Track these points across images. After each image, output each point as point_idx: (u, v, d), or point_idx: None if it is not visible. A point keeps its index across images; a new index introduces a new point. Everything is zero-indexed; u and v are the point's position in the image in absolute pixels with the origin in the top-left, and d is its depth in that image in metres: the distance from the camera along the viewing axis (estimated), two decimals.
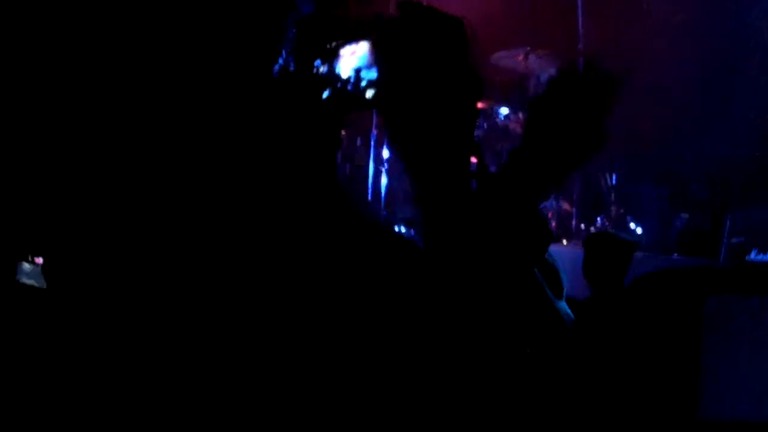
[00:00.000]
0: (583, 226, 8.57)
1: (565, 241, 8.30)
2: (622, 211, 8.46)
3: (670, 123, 8.71)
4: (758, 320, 2.36)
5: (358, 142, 9.45)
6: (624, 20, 9.25)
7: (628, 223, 8.41)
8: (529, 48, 9.26)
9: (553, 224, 8.58)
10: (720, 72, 8.62)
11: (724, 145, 8.34)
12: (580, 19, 9.44)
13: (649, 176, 8.64)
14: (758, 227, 7.23)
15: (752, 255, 6.99)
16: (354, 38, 1.60)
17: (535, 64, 9.35)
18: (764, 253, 6.96)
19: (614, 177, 8.54)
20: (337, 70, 1.61)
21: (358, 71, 1.60)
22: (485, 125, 9.10)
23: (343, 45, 1.60)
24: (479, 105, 1.50)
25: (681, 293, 2.33)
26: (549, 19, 9.49)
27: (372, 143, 9.19)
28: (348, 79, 1.60)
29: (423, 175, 1.49)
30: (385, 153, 9.10)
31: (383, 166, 9.17)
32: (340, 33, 1.62)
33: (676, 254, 7.90)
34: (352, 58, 1.60)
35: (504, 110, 9.11)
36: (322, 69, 1.61)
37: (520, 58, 9.37)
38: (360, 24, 1.61)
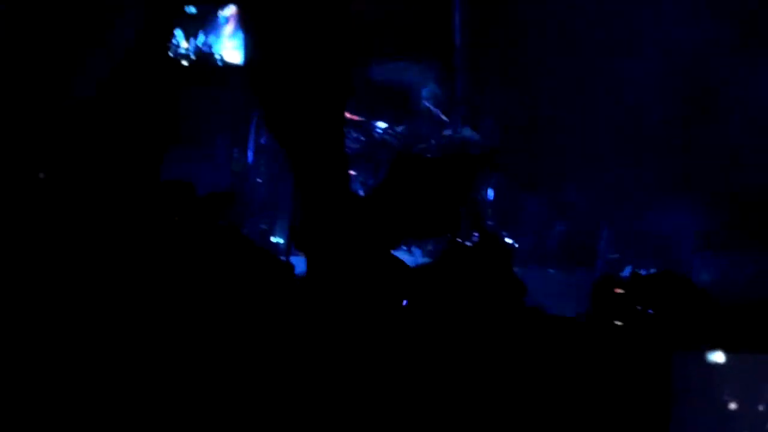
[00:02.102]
0: (460, 240, 8.54)
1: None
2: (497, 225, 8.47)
3: (545, 132, 8.77)
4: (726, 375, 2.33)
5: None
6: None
7: (503, 238, 8.41)
8: (405, 61, 9.23)
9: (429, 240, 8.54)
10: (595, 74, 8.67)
11: (600, 153, 8.41)
12: (457, 29, 9.44)
13: (526, 188, 8.67)
14: (632, 243, 7.31)
15: (626, 272, 7.04)
16: (217, 1, 1.48)
17: (414, 77, 9.33)
18: (639, 270, 7.02)
19: (491, 193, 8.54)
20: (202, 36, 1.48)
21: (219, 36, 1.47)
22: (363, 138, 9.03)
23: (204, 9, 1.48)
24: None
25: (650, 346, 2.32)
26: (426, 30, 9.45)
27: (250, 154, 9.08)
28: (213, 45, 1.48)
29: (295, 147, 1.39)
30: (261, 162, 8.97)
31: (259, 178, 9.03)
32: None
33: (551, 270, 7.93)
34: (215, 22, 1.47)
35: (381, 124, 9.06)
36: (180, 35, 1.48)
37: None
38: None
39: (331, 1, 1.28)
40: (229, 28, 1.49)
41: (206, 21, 1.46)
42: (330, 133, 1.25)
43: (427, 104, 9.21)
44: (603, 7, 8.56)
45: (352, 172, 9.17)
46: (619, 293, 2.75)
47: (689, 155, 8.03)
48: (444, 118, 9.08)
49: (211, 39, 1.44)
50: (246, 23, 1.25)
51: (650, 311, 2.52)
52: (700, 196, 7.13)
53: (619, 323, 2.52)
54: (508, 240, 8.39)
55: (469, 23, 9.37)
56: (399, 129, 9.15)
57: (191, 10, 1.39)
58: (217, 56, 1.46)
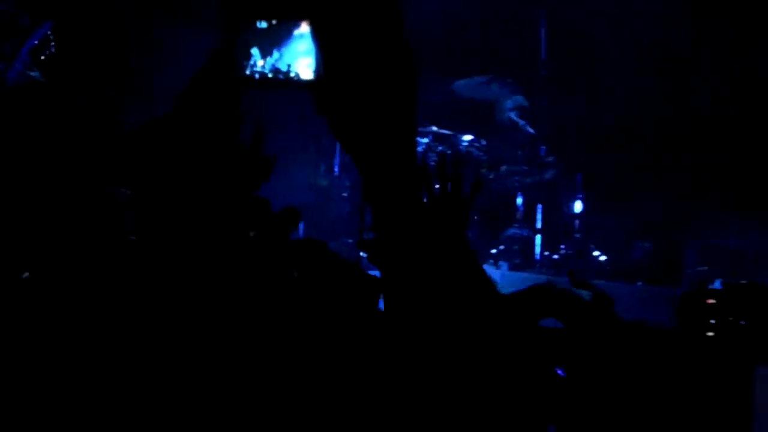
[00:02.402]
0: (547, 253, 8.59)
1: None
2: (585, 239, 8.49)
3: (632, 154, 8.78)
4: None
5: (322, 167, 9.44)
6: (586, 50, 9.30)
7: (592, 251, 8.43)
8: (491, 76, 9.29)
9: (518, 252, 8.60)
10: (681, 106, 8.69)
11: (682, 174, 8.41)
12: (543, 46, 9.48)
13: (612, 204, 8.67)
14: (720, 256, 7.27)
15: (716, 284, 7.01)
16: (289, 17, 1.55)
17: (499, 92, 9.38)
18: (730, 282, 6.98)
19: (578, 205, 8.56)
20: (274, 54, 1.55)
21: (294, 53, 1.55)
22: (449, 152, 9.11)
23: (278, 25, 1.55)
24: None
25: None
26: (512, 46, 9.51)
27: (336, 170, 9.19)
28: (282, 62, 1.55)
29: (368, 164, 1.44)
30: (346, 181, 9.12)
31: (345, 193, 9.16)
32: (273, 12, 1.57)
33: (639, 282, 7.92)
34: (289, 39, 1.55)
35: (467, 137, 9.13)
36: (256, 54, 1.55)
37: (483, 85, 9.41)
38: (293, 1, 1.56)
39: (394, 20, 1.33)
40: (303, 45, 1.54)
41: (280, 38, 1.51)
42: (400, 147, 1.30)
43: (512, 117, 9.26)
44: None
45: (437, 186, 9.27)
46: (711, 303, 2.76)
47: None
48: (530, 130, 9.12)
49: (286, 56, 1.48)
50: (316, 40, 1.32)
51: (742, 322, 2.54)
52: None
53: (709, 334, 2.54)
54: (596, 253, 8.42)
55: (553, 38, 9.40)
56: (484, 142, 9.21)
57: (262, 25, 1.44)
58: (292, 73, 1.50)
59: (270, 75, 1.57)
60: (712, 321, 2.62)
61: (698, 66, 8.52)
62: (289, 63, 1.55)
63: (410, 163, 1.45)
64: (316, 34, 1.49)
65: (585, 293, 3.12)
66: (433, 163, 2.83)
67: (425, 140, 9.17)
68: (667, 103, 8.77)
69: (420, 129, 9.24)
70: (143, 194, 1.74)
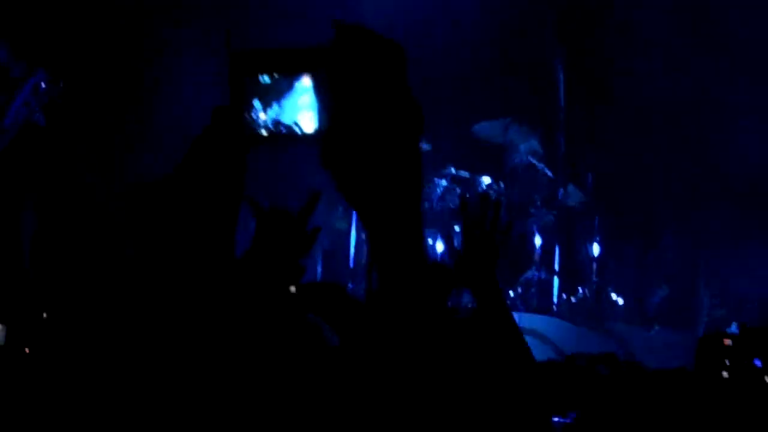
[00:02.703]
0: (564, 296, 8.60)
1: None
2: (602, 282, 8.49)
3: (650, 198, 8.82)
4: None
5: (340, 209, 9.49)
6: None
7: (609, 294, 8.44)
8: (510, 119, 9.36)
9: (536, 295, 8.61)
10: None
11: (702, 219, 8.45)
12: (561, 91, 9.55)
13: (630, 248, 8.70)
14: (738, 300, 7.29)
15: (732, 328, 7.02)
16: (291, 71, 1.56)
17: (515, 135, 9.45)
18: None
19: (596, 248, 8.57)
20: (274, 107, 1.56)
21: (295, 107, 1.56)
22: (467, 194, 9.16)
23: (279, 79, 1.56)
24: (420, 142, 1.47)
25: None
26: (530, 90, 9.59)
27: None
28: (284, 116, 1.56)
29: (370, 215, 1.44)
30: None
31: (363, 235, 9.20)
32: (275, 66, 1.58)
33: (657, 326, 7.93)
34: (290, 92, 1.56)
35: (486, 179, 9.18)
36: (258, 106, 1.56)
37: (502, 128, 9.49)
38: (295, 55, 1.57)
39: (398, 73, 1.33)
40: (305, 99, 1.56)
41: (281, 91, 1.53)
42: (405, 202, 1.29)
43: (531, 160, 9.31)
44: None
45: (456, 228, 9.39)
46: (728, 345, 2.79)
47: None
48: (549, 173, 9.17)
49: (288, 109, 1.50)
50: (318, 93, 1.33)
51: (758, 363, 2.58)
52: None
53: (725, 375, 2.58)
54: (613, 296, 8.43)
55: (572, 82, 9.47)
56: (502, 185, 9.26)
57: (265, 80, 1.45)
58: (296, 128, 1.52)
59: (272, 128, 1.57)
60: (728, 362, 2.66)
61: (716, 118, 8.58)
62: (292, 117, 1.56)
63: (415, 218, 1.45)
64: (320, 89, 1.50)
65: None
66: (471, 203, 2.89)
67: (443, 182, 9.23)
68: (684, 150, 8.83)
69: (439, 170, 9.31)
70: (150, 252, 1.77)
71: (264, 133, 1.57)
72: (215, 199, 1.73)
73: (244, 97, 1.56)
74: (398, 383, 1.41)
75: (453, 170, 9.22)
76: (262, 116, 1.55)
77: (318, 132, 1.51)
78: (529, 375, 2.73)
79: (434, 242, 9.19)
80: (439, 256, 9.07)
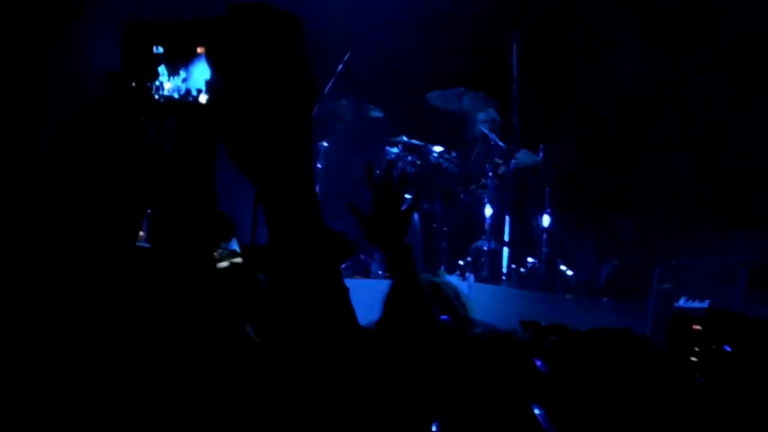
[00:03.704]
0: (514, 266, 8.66)
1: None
2: (553, 253, 8.56)
3: (602, 166, 8.88)
4: None
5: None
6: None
7: (559, 266, 8.52)
8: (463, 89, 9.37)
9: (486, 264, 8.65)
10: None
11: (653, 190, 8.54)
12: (514, 59, 9.57)
13: (581, 220, 8.76)
14: (687, 275, 7.36)
15: (681, 302, 7.10)
16: (185, 42, 1.57)
17: (468, 105, 9.47)
18: (692, 301, 7.08)
19: (546, 220, 8.63)
20: (166, 78, 1.57)
21: (188, 77, 1.57)
22: (419, 162, 9.18)
23: (173, 50, 1.57)
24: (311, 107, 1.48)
25: None
26: (484, 59, 9.59)
27: None
28: (179, 86, 1.57)
29: (262, 184, 1.47)
30: (317, 187, 9.16)
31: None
32: (170, 38, 1.58)
33: (605, 299, 8.01)
34: (183, 64, 1.57)
35: (437, 148, 9.19)
36: (151, 77, 1.57)
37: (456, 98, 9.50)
38: (190, 26, 1.58)
39: (291, 42, 1.34)
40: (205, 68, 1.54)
41: (185, 60, 1.50)
42: (295, 169, 1.32)
43: (483, 129, 9.34)
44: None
45: (407, 196, 9.37)
46: (697, 330, 2.83)
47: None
48: (500, 143, 9.20)
49: (195, 76, 1.48)
50: (209, 61, 1.34)
51: (727, 348, 2.61)
52: (758, 233, 7.19)
53: (695, 359, 2.61)
54: (563, 267, 8.50)
55: (525, 54, 9.50)
56: (454, 153, 9.29)
57: (159, 50, 1.43)
58: (200, 96, 1.50)
59: (177, 97, 1.58)
60: (696, 348, 2.70)
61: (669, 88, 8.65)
62: (196, 85, 1.57)
63: (305, 185, 1.47)
64: (211, 59, 1.51)
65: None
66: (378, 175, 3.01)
67: (395, 150, 9.24)
68: (636, 120, 8.89)
69: (391, 139, 9.31)
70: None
71: (166, 99, 1.58)
72: (110, 172, 1.73)
73: (139, 65, 1.57)
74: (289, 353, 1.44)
75: (405, 138, 9.23)
76: (167, 86, 1.56)
77: (210, 101, 1.53)
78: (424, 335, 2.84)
79: None
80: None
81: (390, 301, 2.91)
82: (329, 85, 9.19)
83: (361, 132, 9.70)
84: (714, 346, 2.62)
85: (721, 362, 2.58)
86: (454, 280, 7.19)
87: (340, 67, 9.19)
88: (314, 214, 1.45)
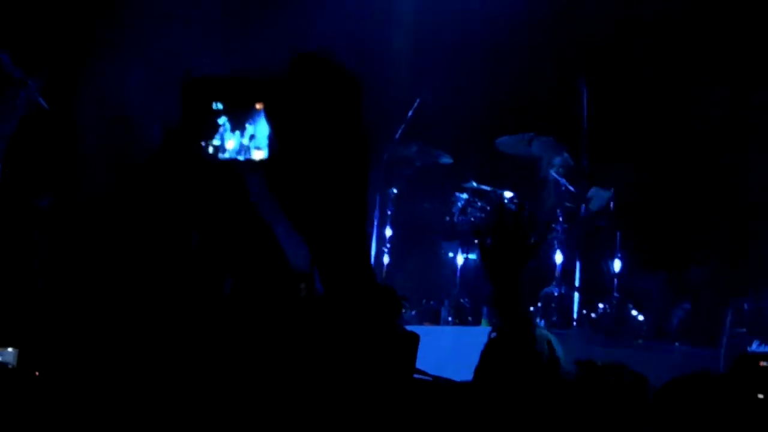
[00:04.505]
0: (585, 311, 8.59)
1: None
2: (623, 298, 8.48)
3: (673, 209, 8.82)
4: None
5: None
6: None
7: (630, 311, 8.44)
8: (533, 134, 9.36)
9: (556, 310, 8.60)
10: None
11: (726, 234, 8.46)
12: (584, 104, 9.54)
13: (652, 264, 8.69)
14: (760, 318, 7.27)
15: (753, 346, 7.02)
16: (247, 100, 1.57)
17: (538, 150, 9.46)
18: (766, 345, 6.99)
19: (617, 264, 8.56)
20: (226, 133, 1.58)
21: (246, 134, 1.57)
22: (488, 208, 9.18)
23: (232, 107, 1.57)
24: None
25: None
26: (553, 105, 9.60)
27: (375, 222, 9.24)
28: (237, 146, 1.57)
29: (316, 241, 1.47)
30: (388, 232, 9.20)
31: (385, 246, 9.22)
32: (228, 94, 1.59)
33: (677, 343, 7.93)
34: (245, 121, 1.57)
35: (507, 194, 9.19)
36: (210, 133, 1.57)
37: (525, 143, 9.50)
38: (249, 83, 1.58)
39: (349, 104, 1.32)
40: (263, 127, 1.55)
41: (243, 119, 1.52)
42: (349, 225, 1.31)
43: (553, 174, 9.31)
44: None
45: (477, 241, 9.34)
46: (764, 367, 2.81)
47: None
48: (570, 188, 9.16)
49: (251, 135, 1.50)
50: (269, 122, 1.35)
51: None
52: None
53: (761, 396, 2.59)
54: (634, 312, 8.42)
55: (597, 99, 9.48)
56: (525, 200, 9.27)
57: (218, 106, 1.45)
58: (255, 153, 1.51)
59: (233, 154, 1.59)
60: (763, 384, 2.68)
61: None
62: (253, 143, 1.58)
63: (359, 243, 1.47)
64: (271, 117, 1.52)
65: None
66: (510, 208, 3.01)
67: (464, 195, 9.26)
68: (708, 169, 8.83)
69: (461, 184, 9.33)
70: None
71: (225, 157, 1.59)
72: (162, 219, 1.75)
73: (198, 123, 1.58)
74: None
75: (474, 184, 9.25)
76: (229, 144, 1.57)
77: (269, 158, 1.52)
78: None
79: (455, 255, 9.23)
80: (458, 268, 9.12)
81: (493, 349, 2.85)
82: (399, 131, 9.27)
83: (431, 178, 9.74)
84: None
85: None
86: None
87: (410, 113, 9.26)
88: (366, 271, 1.46)
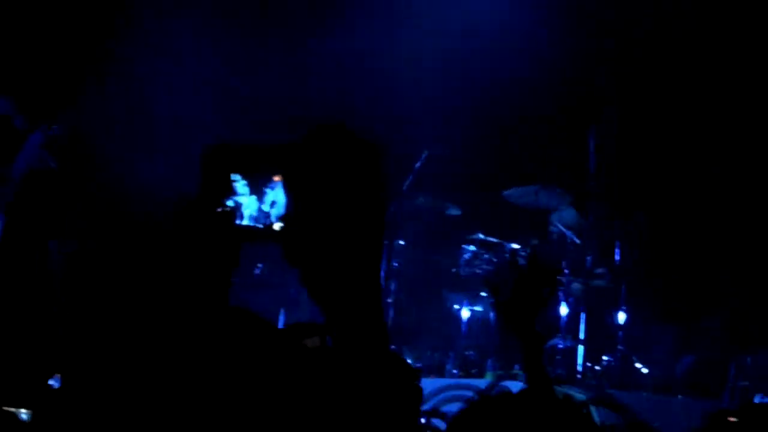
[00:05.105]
0: (589, 364, 8.52)
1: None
2: (628, 351, 8.41)
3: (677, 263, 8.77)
4: None
5: None
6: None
7: (634, 363, 8.36)
8: (539, 185, 9.34)
9: (560, 362, 8.53)
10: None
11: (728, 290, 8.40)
12: (591, 155, 9.52)
13: (657, 317, 8.62)
14: (764, 371, 7.20)
15: (756, 399, 6.93)
16: (263, 169, 1.57)
17: (545, 201, 9.43)
18: None
19: (621, 317, 8.49)
20: (251, 203, 1.57)
21: (274, 202, 1.57)
22: (495, 260, 9.16)
23: (251, 176, 1.57)
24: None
25: None
26: (560, 156, 9.60)
27: (381, 274, 9.21)
28: (255, 211, 1.57)
29: (328, 306, 1.46)
30: (392, 285, 9.19)
31: (389, 299, 9.21)
32: (247, 163, 1.59)
33: (680, 396, 7.83)
34: (260, 189, 1.57)
35: (514, 246, 9.16)
36: (229, 202, 1.57)
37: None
38: (270, 152, 1.58)
39: (367, 173, 1.31)
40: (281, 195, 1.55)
41: (262, 187, 1.52)
42: (364, 295, 1.29)
43: (560, 227, 9.28)
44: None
45: (483, 294, 9.40)
46: (732, 422, 2.76)
47: None
48: (577, 240, 9.12)
49: (272, 204, 1.49)
50: (286, 191, 1.34)
51: None
52: None
53: None
54: (638, 365, 8.35)
55: (602, 151, 9.46)
56: (530, 251, 9.23)
57: (236, 177, 1.44)
58: (275, 222, 1.50)
59: (253, 222, 1.58)
60: None
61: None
62: (273, 212, 1.57)
63: (374, 314, 1.46)
64: (287, 187, 1.50)
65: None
66: (523, 260, 3.02)
67: (472, 248, 9.25)
68: (713, 224, 8.79)
69: (467, 237, 9.32)
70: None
71: (245, 224, 1.58)
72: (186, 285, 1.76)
73: (217, 189, 1.58)
74: None
75: (481, 236, 9.24)
76: (244, 210, 1.56)
77: (283, 228, 1.51)
78: None
79: (461, 307, 9.20)
80: (464, 320, 9.09)
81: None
82: (406, 183, 9.29)
83: (438, 230, 9.74)
84: None
85: None
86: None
87: (417, 164, 9.28)
88: (380, 343, 1.45)
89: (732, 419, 2.90)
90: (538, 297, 2.93)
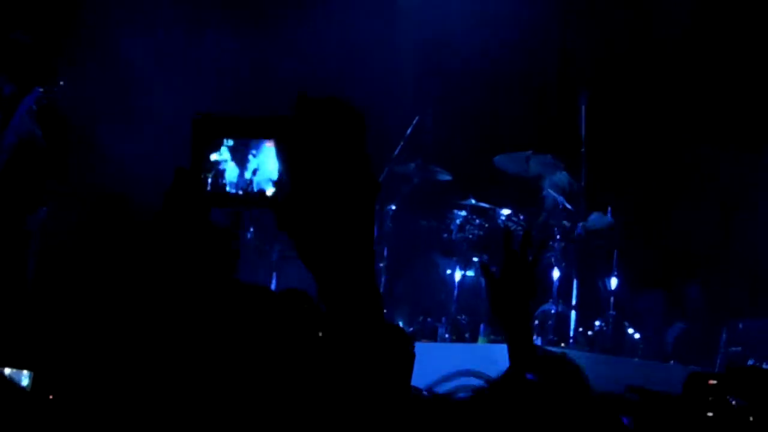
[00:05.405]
0: (581, 329, 8.55)
1: (563, 344, 8.28)
2: (620, 316, 8.44)
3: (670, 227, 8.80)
4: None
5: None
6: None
7: (626, 329, 8.39)
8: (531, 151, 9.31)
9: (553, 327, 8.55)
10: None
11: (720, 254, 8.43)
12: (582, 121, 9.51)
13: (649, 282, 8.65)
14: (755, 337, 7.24)
15: (749, 364, 6.98)
16: (252, 137, 1.59)
17: (536, 167, 9.41)
18: (761, 363, 6.95)
19: (614, 282, 8.51)
20: (233, 169, 1.59)
21: (256, 170, 1.58)
22: (486, 225, 9.16)
23: (240, 143, 1.58)
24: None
25: None
26: (551, 122, 9.59)
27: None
28: (245, 178, 1.58)
29: (323, 274, 1.48)
30: (384, 251, 9.18)
31: (381, 264, 9.21)
32: (238, 131, 1.61)
33: (672, 362, 7.88)
34: (251, 156, 1.58)
35: (505, 211, 9.15)
36: (219, 168, 1.58)
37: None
38: (258, 122, 1.60)
39: (356, 141, 1.35)
40: (274, 162, 1.56)
41: (252, 154, 1.53)
42: (357, 261, 1.33)
43: (551, 193, 9.27)
44: None
45: (474, 259, 9.41)
46: (712, 384, 2.78)
47: None
48: (568, 206, 9.12)
49: (261, 171, 1.50)
50: (278, 159, 1.36)
51: (742, 403, 2.55)
52: None
53: (710, 414, 2.56)
54: (630, 330, 8.38)
55: (596, 116, 9.45)
56: (522, 216, 9.23)
57: (229, 143, 1.46)
58: (267, 188, 1.52)
59: (242, 189, 1.60)
60: (713, 401, 2.64)
61: None
62: (263, 178, 1.59)
63: (367, 280, 1.49)
64: (280, 155, 1.53)
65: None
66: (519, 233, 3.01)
67: (463, 213, 9.24)
68: (707, 190, 8.81)
69: (459, 202, 9.31)
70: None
71: (233, 192, 1.60)
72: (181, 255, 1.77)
73: (207, 159, 1.59)
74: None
75: (473, 201, 9.22)
76: (232, 177, 1.58)
77: (276, 195, 1.53)
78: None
79: (452, 272, 9.19)
80: (456, 285, 9.08)
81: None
82: (398, 148, 9.27)
83: (429, 195, 9.73)
84: (731, 401, 2.57)
85: (737, 416, 2.52)
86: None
87: (408, 130, 9.27)
88: (375, 310, 1.48)
89: (712, 382, 2.92)
90: (530, 285, 2.91)
